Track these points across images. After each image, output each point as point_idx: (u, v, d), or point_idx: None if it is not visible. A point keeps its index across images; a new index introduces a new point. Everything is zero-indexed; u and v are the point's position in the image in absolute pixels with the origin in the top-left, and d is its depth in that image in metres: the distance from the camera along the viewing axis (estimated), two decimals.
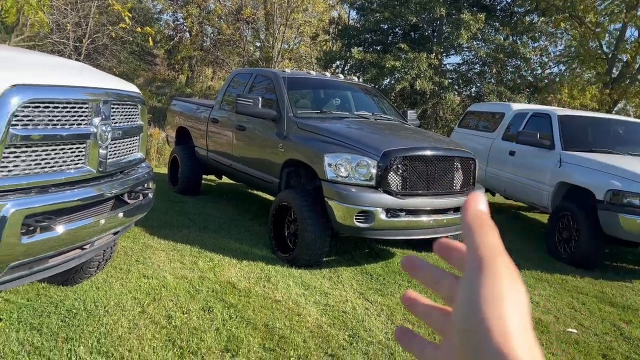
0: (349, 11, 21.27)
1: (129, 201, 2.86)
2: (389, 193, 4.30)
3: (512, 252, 5.85)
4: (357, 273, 4.56)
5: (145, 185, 3.07)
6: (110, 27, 12.62)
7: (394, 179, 4.34)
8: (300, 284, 4.11)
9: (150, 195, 3.12)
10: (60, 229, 2.25)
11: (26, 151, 2.13)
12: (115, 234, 2.91)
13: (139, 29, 10.12)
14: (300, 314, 3.51)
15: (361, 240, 5.22)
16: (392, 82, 15.58)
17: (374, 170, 4.29)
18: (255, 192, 7.90)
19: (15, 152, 2.08)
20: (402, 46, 14.75)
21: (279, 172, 5.14)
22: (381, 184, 4.30)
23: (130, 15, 10.21)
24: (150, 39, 10.39)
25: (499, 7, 18.08)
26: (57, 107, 2.24)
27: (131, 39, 16.42)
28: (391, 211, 4.28)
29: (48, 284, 3.46)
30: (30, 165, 2.17)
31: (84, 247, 2.62)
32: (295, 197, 4.63)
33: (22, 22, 11.21)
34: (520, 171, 6.96)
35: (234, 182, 7.44)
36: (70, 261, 2.58)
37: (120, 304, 3.34)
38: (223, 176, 7.31)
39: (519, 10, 17.58)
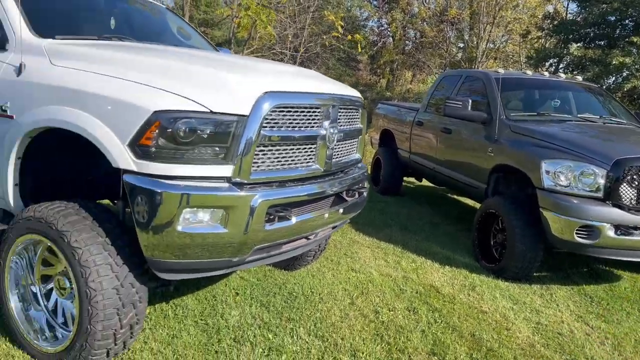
0: (567, 4, 19.30)
1: (347, 198, 3.05)
2: (620, 207, 3.79)
3: None
4: (573, 293, 4.12)
5: (361, 184, 3.25)
6: (324, 37, 13.63)
7: (627, 192, 3.80)
8: (508, 297, 3.88)
9: (365, 194, 3.29)
10: (293, 219, 2.51)
11: (271, 150, 2.44)
12: (333, 227, 3.15)
13: (349, 37, 10.70)
14: (509, 329, 3.32)
15: (578, 256, 4.69)
16: (620, 80, 13.64)
17: (602, 181, 3.82)
18: (454, 196, 7.73)
19: (263, 151, 2.39)
20: (635, 40, 12.80)
21: (486, 177, 4.93)
22: (610, 196, 3.81)
23: (342, 24, 10.89)
24: (359, 45, 10.92)
25: None
26: (297, 111, 2.51)
27: (340, 46, 17.48)
28: (622, 228, 3.76)
29: (272, 268, 3.90)
30: (274, 162, 2.47)
31: (309, 237, 2.89)
32: (505, 204, 4.39)
33: (252, 36, 12.82)
34: None
35: (433, 185, 7.39)
36: (298, 249, 2.87)
37: (332, 293, 3.60)
38: (423, 179, 7.32)
39: None
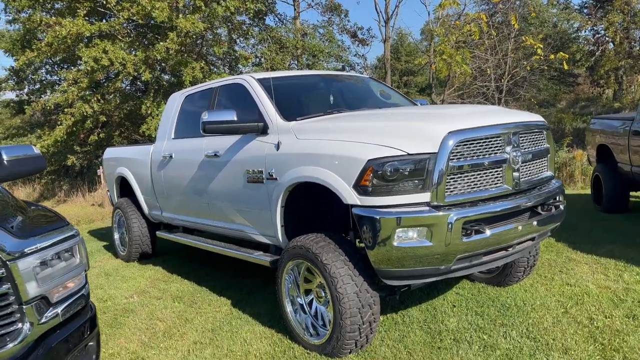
0: None
1: (541, 212, 3.39)
2: None
3: None
4: None
5: (557, 198, 3.53)
6: (525, 62, 13.45)
7: None
8: None
9: (562, 207, 3.55)
10: (488, 232, 3.01)
11: (460, 177, 3.02)
12: (532, 240, 3.48)
13: (552, 56, 10.48)
14: None
15: None
16: None
17: None
18: None
19: (454, 178, 3.00)
20: None
21: None
22: None
23: (542, 45, 10.73)
24: (564, 62, 10.57)
25: None
26: (479, 143, 3.06)
27: (545, 67, 16.77)
28: None
29: (485, 285, 4.32)
30: (464, 187, 3.04)
31: (508, 248, 3.31)
32: None
33: (452, 76, 13.41)
34: None
35: None
36: (499, 260, 3.31)
37: (544, 304, 3.84)
38: None
39: None
